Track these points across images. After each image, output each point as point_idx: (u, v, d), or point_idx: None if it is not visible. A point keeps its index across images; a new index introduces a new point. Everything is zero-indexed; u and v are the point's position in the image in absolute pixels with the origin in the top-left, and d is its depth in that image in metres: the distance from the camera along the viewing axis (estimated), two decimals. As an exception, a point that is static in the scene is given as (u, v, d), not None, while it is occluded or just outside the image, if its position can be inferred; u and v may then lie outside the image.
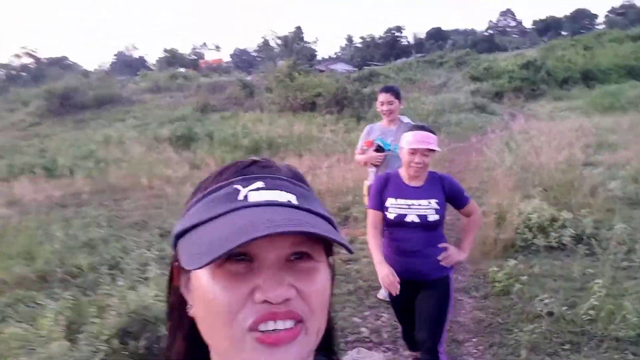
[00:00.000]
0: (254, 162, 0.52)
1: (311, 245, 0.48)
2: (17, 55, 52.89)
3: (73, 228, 5.52)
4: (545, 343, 2.93)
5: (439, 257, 2.28)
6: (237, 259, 0.45)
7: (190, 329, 0.51)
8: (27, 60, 54.37)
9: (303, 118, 14.92)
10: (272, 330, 0.44)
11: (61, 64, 60.45)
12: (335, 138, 11.77)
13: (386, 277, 2.19)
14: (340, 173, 7.61)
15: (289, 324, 0.45)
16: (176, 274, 0.53)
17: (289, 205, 0.47)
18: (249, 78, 22.94)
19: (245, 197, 0.46)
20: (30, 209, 6.57)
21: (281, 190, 0.48)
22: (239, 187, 0.48)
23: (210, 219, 0.46)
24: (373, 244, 2.35)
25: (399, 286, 2.18)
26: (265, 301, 0.44)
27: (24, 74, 52.60)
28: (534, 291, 3.50)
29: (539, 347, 2.89)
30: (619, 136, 9.49)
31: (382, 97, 3.34)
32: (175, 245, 0.50)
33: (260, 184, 0.48)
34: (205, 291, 0.46)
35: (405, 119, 3.50)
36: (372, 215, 2.39)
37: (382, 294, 3.48)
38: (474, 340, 3.11)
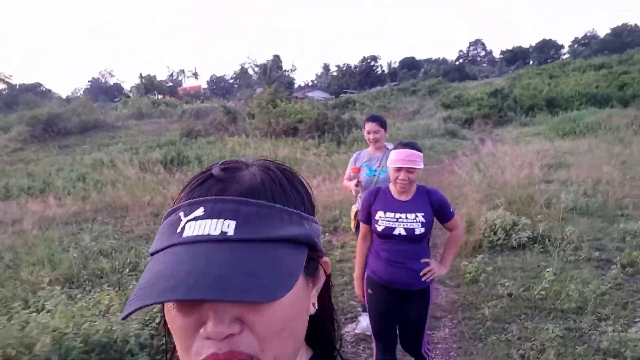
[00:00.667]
0: (210, 176, 0.50)
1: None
2: (-10, 82, 52.25)
3: (84, 240, 6.02)
4: (505, 315, 3.65)
5: (421, 273, 2.37)
6: None
7: None
8: (0, 87, 53.75)
9: (286, 142, 15.68)
10: None
11: (35, 90, 60.12)
12: (318, 160, 12.52)
13: (360, 292, 2.58)
14: (327, 191, 8.32)
15: None
16: None
17: (219, 239, 0.44)
18: (231, 104, 23.70)
19: (182, 229, 0.45)
20: (38, 224, 7.02)
21: (219, 217, 0.45)
22: (182, 214, 0.47)
23: (156, 252, 0.47)
24: (358, 257, 2.59)
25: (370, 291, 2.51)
26: (207, 337, 0.43)
27: (-4, 101, 52.03)
28: (497, 279, 4.24)
29: (500, 318, 3.61)
30: (575, 157, 10.52)
31: (369, 126, 3.42)
32: None
33: (200, 211, 0.46)
34: (169, 316, 0.46)
35: (391, 146, 3.51)
36: (363, 228, 2.56)
37: (360, 328, 3.53)
38: (449, 316, 3.81)
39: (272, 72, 52.30)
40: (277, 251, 0.46)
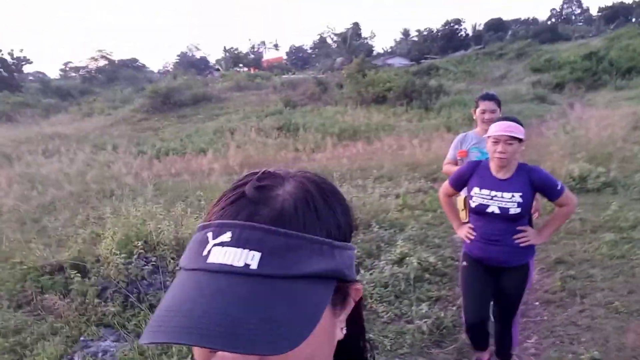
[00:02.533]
0: (242, 195, 0.49)
1: None
2: (94, 59, 58.23)
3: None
4: (575, 231, 5.09)
5: (515, 237, 2.35)
6: None
7: None
8: (102, 63, 59.67)
9: (376, 110, 17.23)
10: None
11: (132, 65, 65.86)
12: (409, 126, 14.00)
13: (465, 232, 2.53)
14: (423, 150, 9.88)
15: None
16: None
17: (241, 272, 0.44)
18: (322, 75, 25.53)
19: (209, 252, 0.45)
20: (201, 175, 9.29)
21: (245, 247, 0.44)
22: (210, 235, 0.47)
23: (182, 268, 0.48)
24: (448, 212, 2.68)
25: (474, 234, 2.46)
26: None
27: (100, 75, 57.86)
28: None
29: (571, 232, 5.07)
30: (665, 120, 11.10)
31: (485, 105, 3.17)
32: None
33: (227, 236, 0.46)
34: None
35: None
36: (446, 188, 2.61)
37: None
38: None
39: (352, 41, 53.17)
40: (301, 290, 0.44)
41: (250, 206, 0.47)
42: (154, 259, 3.94)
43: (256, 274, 0.44)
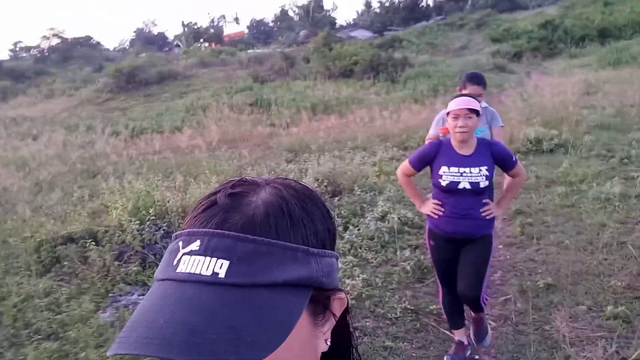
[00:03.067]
0: (213, 203, 0.48)
1: None
2: (46, 37, 55.87)
3: (225, 160, 8.49)
4: (531, 187, 5.80)
5: (481, 210, 2.50)
6: None
7: None
8: (54, 42, 57.32)
9: (344, 83, 17.68)
10: None
11: (87, 44, 63.43)
12: (377, 98, 14.55)
13: (431, 207, 2.58)
14: (392, 122, 10.45)
15: None
16: None
17: (209, 281, 0.43)
18: (288, 49, 25.63)
19: (178, 262, 0.45)
20: (179, 151, 9.59)
21: (213, 255, 0.44)
22: (180, 244, 0.47)
23: (156, 279, 0.48)
24: (409, 191, 2.78)
25: (441, 210, 2.55)
26: None
27: (53, 55, 55.65)
28: (529, 169, 6.37)
29: (529, 188, 5.77)
30: (611, 86, 12.06)
31: (473, 89, 3.15)
32: None
33: (196, 245, 0.45)
34: None
35: (484, 104, 3.33)
36: (406, 168, 2.66)
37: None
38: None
39: (315, 13, 52.92)
40: (270, 299, 0.43)
41: (221, 214, 0.47)
42: (164, 224, 4.37)
43: (224, 282, 0.43)
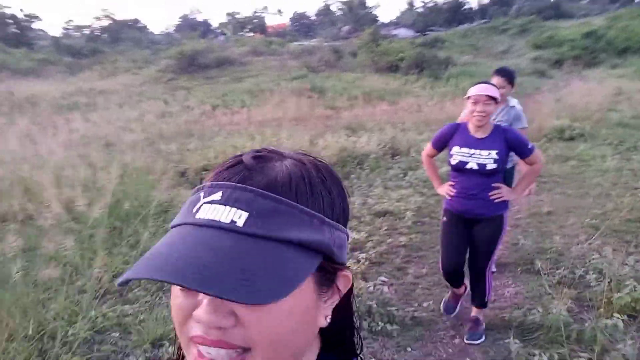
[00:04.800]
0: (239, 162, 0.51)
1: None
2: (98, 18, 59.21)
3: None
4: (552, 163, 7.46)
5: (490, 194, 2.69)
6: None
7: None
8: (105, 23, 60.65)
9: (391, 77, 19.40)
10: (208, 354, 0.46)
11: (134, 27, 66.72)
12: (422, 92, 16.25)
13: (446, 189, 2.85)
14: (436, 111, 12.17)
15: (222, 353, 0.45)
16: None
17: (227, 228, 0.45)
18: (335, 43, 27.52)
19: (198, 210, 0.48)
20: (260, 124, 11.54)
21: (233, 206, 0.46)
22: (202, 194, 0.49)
23: (173, 226, 0.50)
24: (430, 172, 3.05)
25: (454, 190, 2.80)
26: (199, 321, 0.45)
27: (104, 35, 58.92)
28: (552, 151, 8.03)
29: (549, 162, 7.44)
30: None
31: (495, 80, 3.40)
32: None
33: (218, 195, 0.48)
34: (173, 287, 0.49)
35: (513, 101, 3.62)
36: (429, 149, 2.94)
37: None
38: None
39: (358, 10, 54.50)
40: (283, 253, 0.46)
41: (245, 172, 0.49)
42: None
43: (241, 231, 0.45)
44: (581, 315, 3.12)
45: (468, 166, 2.68)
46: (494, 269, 3.30)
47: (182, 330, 0.48)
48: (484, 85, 2.65)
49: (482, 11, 62.12)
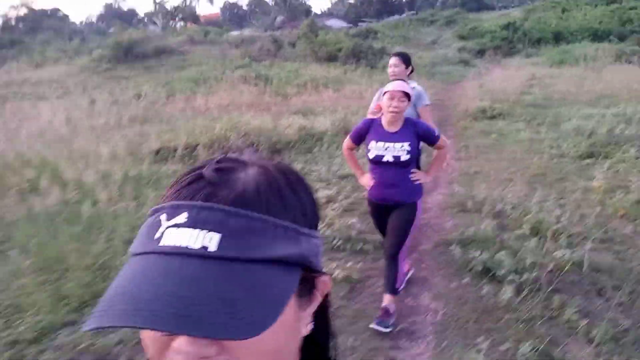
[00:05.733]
0: (199, 177, 0.47)
1: None
2: (14, 7, 55.84)
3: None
4: (474, 135, 8.91)
5: (411, 176, 3.01)
6: None
7: None
8: (22, 12, 57.34)
9: (330, 66, 20.55)
10: None
11: (54, 16, 63.41)
12: (361, 80, 17.55)
13: (366, 180, 3.13)
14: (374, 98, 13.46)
15: None
16: None
17: (199, 255, 0.41)
18: (276, 33, 28.27)
19: (161, 235, 0.43)
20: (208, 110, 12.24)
21: (203, 228, 0.42)
22: (163, 217, 0.45)
23: (133, 254, 0.46)
24: (351, 164, 3.33)
25: (372, 182, 3.08)
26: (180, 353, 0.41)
27: (21, 25, 55.74)
28: (476, 127, 9.50)
29: (471, 136, 8.87)
30: (551, 79, 15.52)
31: (391, 60, 3.88)
32: None
33: (183, 217, 0.44)
34: None
35: (414, 83, 3.84)
36: (348, 142, 3.20)
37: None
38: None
39: (291, 0, 55.26)
40: (263, 275, 0.43)
41: (209, 187, 0.46)
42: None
43: (215, 256, 0.42)
44: (501, 232, 4.37)
45: (384, 159, 2.94)
46: (406, 259, 3.51)
47: None
48: (400, 82, 2.92)
49: (410, 3, 65.01)
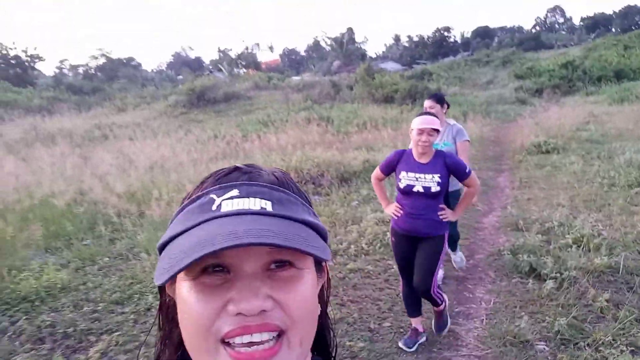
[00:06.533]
0: (235, 169, 0.57)
1: (293, 253, 0.49)
2: (94, 57, 61.70)
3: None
4: (529, 167, 9.53)
5: (439, 214, 3.05)
6: (214, 271, 0.49)
7: (181, 340, 0.53)
8: (101, 61, 63.13)
9: (387, 108, 21.68)
10: (248, 343, 0.47)
11: (129, 64, 69.34)
12: (418, 119, 18.50)
13: (393, 209, 3.19)
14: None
15: (265, 336, 0.47)
16: (168, 284, 0.56)
17: (261, 213, 0.50)
18: (335, 77, 30.03)
19: (219, 206, 0.50)
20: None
21: (256, 197, 0.52)
22: (214, 196, 0.52)
23: (185, 231, 0.50)
24: (379, 193, 3.41)
25: (401, 211, 3.13)
26: (239, 313, 0.46)
27: (99, 73, 61.30)
28: (531, 162, 10.12)
29: (529, 168, 9.51)
30: (608, 117, 15.81)
31: (426, 103, 4.19)
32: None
33: (235, 192, 0.52)
34: (184, 302, 0.49)
35: (452, 121, 4.26)
36: (377, 173, 3.31)
37: (455, 262, 4.71)
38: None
39: (348, 45, 57.67)
40: (307, 230, 0.53)
41: (247, 175, 0.56)
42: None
43: (273, 214, 0.51)
44: (546, 244, 5.08)
45: (415, 189, 3.01)
46: (439, 290, 3.48)
47: (207, 336, 0.48)
48: (428, 117, 3.01)
49: (465, 44, 66.12)
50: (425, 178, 2.99)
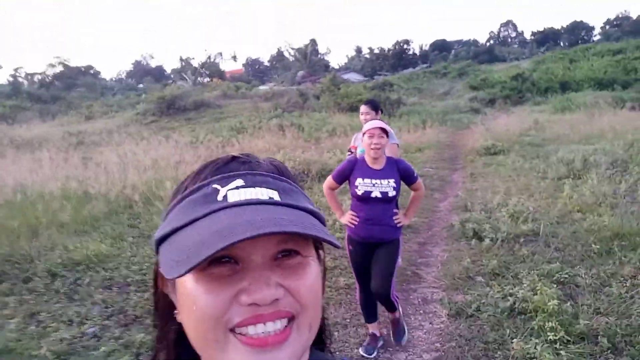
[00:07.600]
0: (234, 158, 0.57)
1: (298, 242, 0.51)
2: (52, 65, 60.96)
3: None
4: (483, 166, 11.19)
5: (394, 218, 3.18)
6: (221, 262, 0.49)
7: (178, 336, 0.54)
8: (58, 69, 62.37)
9: (353, 116, 23.26)
10: (262, 332, 0.48)
11: (88, 73, 68.70)
12: (381, 127, 20.13)
13: (348, 218, 3.25)
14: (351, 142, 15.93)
15: (278, 324, 0.48)
16: (162, 279, 0.57)
17: (270, 202, 0.50)
18: (302, 87, 31.50)
19: (225, 197, 0.50)
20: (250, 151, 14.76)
21: (262, 187, 0.52)
22: (217, 186, 0.51)
23: (190, 222, 0.50)
24: (332, 202, 3.43)
25: (357, 219, 3.21)
26: (252, 304, 0.47)
27: (56, 82, 60.58)
28: (481, 161, 11.80)
29: (479, 168, 11.16)
30: (549, 123, 17.88)
31: (362, 108, 4.40)
32: (157, 251, 0.53)
33: (240, 181, 0.52)
34: (190, 296, 0.49)
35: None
36: (330, 182, 3.33)
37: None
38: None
39: (311, 56, 59.41)
40: (312, 219, 0.53)
41: (247, 164, 0.56)
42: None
43: (280, 203, 0.51)
44: (487, 219, 6.58)
45: (373, 195, 3.11)
46: (397, 293, 3.62)
47: (216, 326, 0.48)
48: (376, 121, 3.19)
49: (424, 56, 69.17)
50: (381, 183, 3.12)
